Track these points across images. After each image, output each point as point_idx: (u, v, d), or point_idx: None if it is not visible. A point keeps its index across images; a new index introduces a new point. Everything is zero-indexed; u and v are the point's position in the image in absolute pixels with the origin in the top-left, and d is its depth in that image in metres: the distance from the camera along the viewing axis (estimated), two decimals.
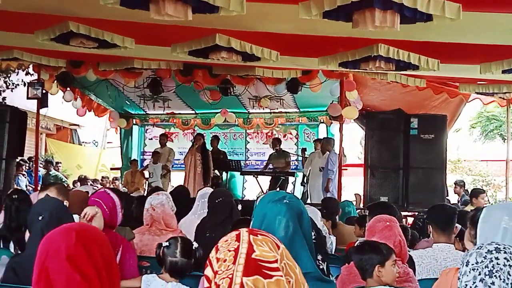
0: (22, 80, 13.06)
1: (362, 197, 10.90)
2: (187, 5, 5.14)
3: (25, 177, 13.70)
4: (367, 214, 5.47)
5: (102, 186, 13.12)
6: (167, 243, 3.23)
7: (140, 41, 7.67)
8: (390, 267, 3.23)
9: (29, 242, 3.18)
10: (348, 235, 6.11)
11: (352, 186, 13.38)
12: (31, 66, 11.63)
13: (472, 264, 1.85)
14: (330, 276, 2.61)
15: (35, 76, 11.73)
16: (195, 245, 3.28)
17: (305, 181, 12.57)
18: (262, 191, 12.13)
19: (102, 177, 17.19)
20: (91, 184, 13.54)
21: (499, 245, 1.87)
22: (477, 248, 1.89)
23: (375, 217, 3.98)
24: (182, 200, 6.16)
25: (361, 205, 10.79)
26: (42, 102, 11.53)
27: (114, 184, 16.05)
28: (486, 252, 1.85)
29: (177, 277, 3.16)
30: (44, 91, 11.29)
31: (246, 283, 1.40)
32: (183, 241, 3.26)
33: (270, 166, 13.34)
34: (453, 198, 11.81)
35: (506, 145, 12.00)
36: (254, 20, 6.38)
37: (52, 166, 14.94)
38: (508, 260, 1.82)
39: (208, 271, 1.50)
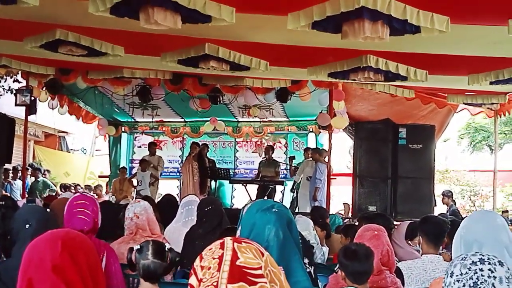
0: (10, 87, 13.00)
1: (350, 207, 10.92)
2: (177, 13, 5.15)
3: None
4: (354, 223, 5.46)
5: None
6: (138, 246, 3.17)
7: (130, 50, 7.65)
8: None
9: (16, 249, 3.15)
10: (338, 245, 6.10)
11: (341, 196, 13.39)
12: (19, 73, 11.58)
13: (457, 276, 1.85)
14: (318, 280, 2.60)
15: (23, 84, 11.68)
16: (168, 246, 3.21)
17: (294, 188, 12.56)
18: (251, 200, 12.10)
19: (91, 185, 17.02)
20: (75, 192, 13.44)
21: (483, 255, 1.87)
22: (461, 259, 1.89)
23: (364, 226, 3.99)
24: (171, 209, 6.13)
25: (350, 215, 10.80)
26: (31, 109, 11.48)
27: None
28: (470, 264, 1.85)
29: (153, 281, 3.09)
30: (32, 98, 11.24)
31: None
32: (154, 243, 3.17)
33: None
34: (441, 208, 11.84)
35: (493, 155, 12.07)
36: (244, 30, 6.40)
37: (40, 173, 14.83)
38: (492, 272, 1.82)
39: (192, 280, 1.49)
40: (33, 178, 14.53)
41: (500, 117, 11.41)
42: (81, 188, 15.62)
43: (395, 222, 9.69)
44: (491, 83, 7.86)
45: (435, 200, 10.63)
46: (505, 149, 23.49)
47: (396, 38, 5.52)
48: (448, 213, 10.94)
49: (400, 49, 6.80)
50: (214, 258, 1.48)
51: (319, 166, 11.59)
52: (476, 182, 20.55)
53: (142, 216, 4.60)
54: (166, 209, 6.14)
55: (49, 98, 12.16)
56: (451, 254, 2.96)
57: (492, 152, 19.87)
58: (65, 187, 14.88)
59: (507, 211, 16.75)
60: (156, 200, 12.64)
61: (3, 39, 7.75)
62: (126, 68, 9.29)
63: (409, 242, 5.31)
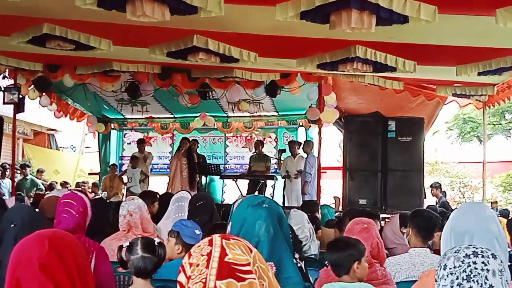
0: None
1: (341, 200, 10.94)
2: (164, 5, 5.13)
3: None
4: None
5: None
6: (127, 243, 3.17)
7: (118, 43, 7.62)
8: (365, 262, 3.24)
9: (1, 249, 3.13)
10: (327, 239, 6.10)
11: (331, 189, 13.43)
12: (7, 70, 11.49)
13: (450, 268, 1.85)
14: (308, 274, 2.60)
15: (12, 81, 11.60)
16: (157, 240, 3.21)
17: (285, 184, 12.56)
18: (242, 195, 12.08)
19: (80, 182, 16.93)
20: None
21: (476, 248, 1.87)
22: (455, 252, 1.88)
23: (353, 220, 3.99)
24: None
25: (340, 208, 10.83)
26: (19, 107, 11.40)
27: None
28: (463, 256, 1.84)
29: (144, 277, 3.07)
30: (20, 96, 11.17)
31: (220, 287, 1.39)
32: (143, 239, 3.19)
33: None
34: (431, 200, 11.90)
35: (482, 147, 12.12)
36: (232, 20, 6.39)
37: (29, 171, 14.69)
38: (485, 264, 1.81)
39: (181, 277, 1.48)
40: (22, 176, 14.43)
41: (490, 108, 11.45)
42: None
43: (385, 215, 9.85)
44: (479, 73, 7.88)
45: (425, 192, 10.68)
46: (493, 140, 23.62)
47: (384, 28, 5.53)
48: (437, 205, 11.01)
49: (388, 39, 6.81)
50: (202, 255, 1.47)
51: (308, 160, 11.62)
52: (465, 174, 20.69)
53: (135, 214, 4.58)
54: (165, 208, 6.10)
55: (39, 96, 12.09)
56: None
57: (480, 143, 19.96)
58: (50, 186, 14.69)
59: (496, 202, 16.93)
60: None
61: None
62: (115, 61, 9.22)
63: (403, 230, 5.34)
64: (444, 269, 1.86)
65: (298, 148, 12.34)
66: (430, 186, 12.11)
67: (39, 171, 15.75)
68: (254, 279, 1.43)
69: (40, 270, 1.81)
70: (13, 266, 1.87)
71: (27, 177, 14.34)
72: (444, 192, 12.75)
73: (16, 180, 13.03)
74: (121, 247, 3.17)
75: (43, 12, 6.48)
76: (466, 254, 1.85)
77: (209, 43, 7.08)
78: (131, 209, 4.60)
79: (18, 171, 14.12)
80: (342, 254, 3.23)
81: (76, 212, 3.59)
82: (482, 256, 1.83)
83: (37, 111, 14.10)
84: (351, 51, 7.04)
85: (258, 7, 5.81)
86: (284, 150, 13.36)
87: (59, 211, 3.60)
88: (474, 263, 1.82)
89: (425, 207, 9.30)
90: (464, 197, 20.01)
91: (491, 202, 16.29)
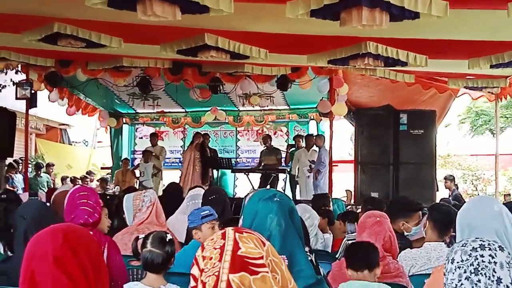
0: (11, 79, 13.00)
1: (353, 193, 10.93)
2: (175, 5, 5.14)
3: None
4: (353, 210, 5.44)
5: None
6: (143, 235, 3.18)
7: (129, 40, 7.65)
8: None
9: (15, 244, 3.17)
10: (338, 231, 6.12)
11: (343, 183, 13.41)
12: (19, 66, 11.56)
13: (458, 262, 1.86)
14: (319, 267, 2.61)
15: (24, 76, 11.67)
16: (169, 237, 3.22)
17: (296, 179, 12.59)
18: (254, 189, 12.10)
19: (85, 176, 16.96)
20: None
21: (483, 241, 1.87)
22: (462, 245, 1.89)
23: (366, 213, 4.00)
24: (176, 198, 6.13)
25: (352, 201, 10.82)
26: (31, 102, 11.48)
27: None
28: (471, 250, 1.85)
29: (155, 272, 3.06)
30: (33, 91, 11.24)
31: (233, 280, 1.41)
32: (155, 234, 3.19)
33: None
34: (443, 193, 11.86)
35: (495, 139, 12.05)
36: (243, 19, 6.39)
37: (41, 171, 14.71)
38: (493, 257, 1.82)
39: (194, 270, 1.50)
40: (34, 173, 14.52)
41: (501, 100, 11.37)
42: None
43: None
44: (491, 66, 7.84)
45: (437, 185, 10.63)
46: (507, 132, 23.44)
47: (395, 24, 5.50)
48: (450, 198, 10.97)
49: (399, 35, 6.78)
50: (215, 248, 1.49)
51: (322, 152, 11.71)
52: (478, 166, 20.53)
53: (155, 205, 4.60)
54: (171, 198, 6.13)
55: (48, 91, 12.13)
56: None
57: (493, 135, 19.81)
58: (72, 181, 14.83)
59: (509, 195, 16.79)
60: (160, 190, 12.77)
61: (1, 31, 7.72)
62: (126, 57, 9.27)
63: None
64: (452, 262, 1.87)
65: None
66: (444, 179, 12.06)
67: (49, 165, 15.76)
68: (267, 272, 1.45)
69: (54, 263, 1.83)
70: (27, 259, 1.89)
71: (41, 175, 14.41)
72: (456, 185, 12.70)
73: (29, 175, 13.13)
74: (137, 238, 3.18)
75: (54, 11, 6.51)
76: (473, 247, 1.86)
77: (220, 41, 7.09)
78: (153, 199, 4.62)
79: (30, 166, 14.21)
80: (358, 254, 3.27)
81: (94, 202, 3.59)
82: (489, 249, 1.84)
83: (49, 106, 14.16)
84: (362, 47, 7.01)
85: (268, 5, 5.80)
86: (293, 145, 13.37)
87: (74, 205, 3.60)
88: (482, 256, 1.83)
89: (437, 200, 9.28)
90: (476, 190, 19.87)
91: (504, 195, 16.18)
